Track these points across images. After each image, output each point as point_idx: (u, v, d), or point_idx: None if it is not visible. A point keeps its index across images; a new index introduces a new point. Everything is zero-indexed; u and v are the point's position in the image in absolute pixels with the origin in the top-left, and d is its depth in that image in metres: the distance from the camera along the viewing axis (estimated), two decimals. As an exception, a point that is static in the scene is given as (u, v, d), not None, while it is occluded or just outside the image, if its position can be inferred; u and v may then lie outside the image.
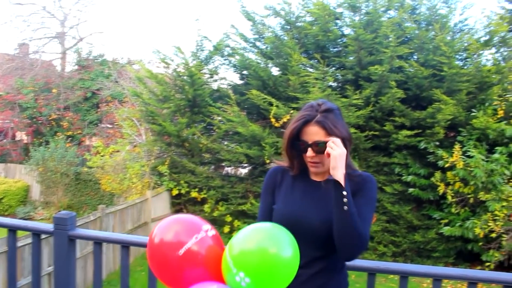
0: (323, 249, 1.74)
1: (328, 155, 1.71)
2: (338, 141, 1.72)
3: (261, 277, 1.50)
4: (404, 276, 2.29)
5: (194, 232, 1.60)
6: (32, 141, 18.59)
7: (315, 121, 1.81)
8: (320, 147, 1.80)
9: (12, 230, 2.70)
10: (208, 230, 1.64)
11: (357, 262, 2.24)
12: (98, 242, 2.61)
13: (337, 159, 1.70)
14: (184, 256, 1.55)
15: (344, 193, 1.69)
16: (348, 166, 1.86)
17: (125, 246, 2.53)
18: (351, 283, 2.06)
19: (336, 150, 1.71)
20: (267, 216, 1.95)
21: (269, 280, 1.51)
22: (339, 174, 1.70)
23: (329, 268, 1.81)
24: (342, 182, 1.69)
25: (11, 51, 21.38)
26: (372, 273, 2.33)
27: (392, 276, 8.20)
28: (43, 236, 2.71)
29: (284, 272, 1.53)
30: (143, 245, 2.65)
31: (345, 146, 1.81)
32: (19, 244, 5.84)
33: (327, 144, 1.73)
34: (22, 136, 19.64)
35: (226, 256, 1.57)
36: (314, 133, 1.81)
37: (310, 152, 1.81)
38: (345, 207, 1.69)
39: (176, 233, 1.60)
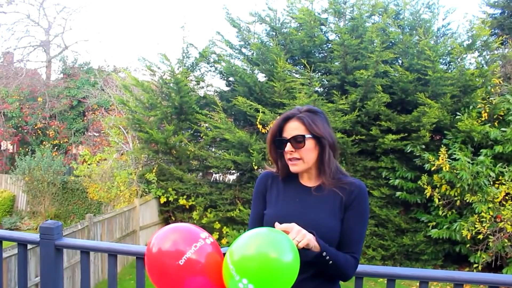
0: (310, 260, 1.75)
1: (303, 241, 1.62)
2: (296, 225, 1.65)
3: (264, 283, 1.51)
4: (391, 279, 2.31)
5: (193, 241, 1.60)
6: (17, 150, 18.41)
7: (296, 117, 1.87)
8: (298, 141, 1.83)
9: (-2, 241, 2.67)
10: (206, 238, 1.65)
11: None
12: (85, 251, 2.59)
13: (311, 240, 1.65)
14: (185, 266, 1.56)
15: (324, 254, 1.71)
16: (337, 171, 1.89)
17: (112, 254, 2.52)
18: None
19: (305, 236, 1.63)
20: (258, 221, 1.97)
21: (272, 285, 1.52)
22: (314, 246, 1.68)
23: (319, 274, 1.82)
24: (318, 247, 1.69)
25: (-4, 60, 21.18)
26: (359, 277, 2.34)
27: (381, 280, 8.24)
28: (29, 246, 2.69)
29: (286, 277, 1.54)
30: (130, 253, 2.64)
31: (323, 145, 1.85)
32: (5, 255, 5.78)
33: (298, 232, 1.63)
34: (7, 145, 19.44)
35: (228, 263, 1.57)
36: (294, 128, 1.86)
37: (288, 147, 1.84)
38: (330, 262, 1.73)
39: (175, 242, 1.60)
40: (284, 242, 1.57)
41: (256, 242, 1.58)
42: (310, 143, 1.85)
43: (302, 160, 1.86)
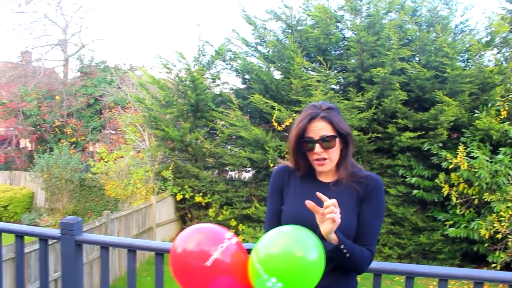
0: (328, 252, 1.75)
1: (333, 220, 1.63)
2: (337, 206, 1.66)
3: (293, 281, 1.52)
4: (410, 277, 2.29)
5: (218, 241, 1.61)
6: (36, 148, 18.64)
7: (321, 117, 1.84)
8: (328, 142, 1.81)
9: (20, 236, 2.71)
10: (231, 237, 1.66)
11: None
12: (104, 247, 2.62)
13: (335, 226, 1.66)
14: (212, 267, 1.56)
15: (342, 247, 1.71)
16: (353, 165, 1.89)
17: (132, 250, 2.55)
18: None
19: (337, 217, 1.64)
20: (276, 217, 1.96)
21: (300, 283, 1.53)
22: (332, 237, 1.69)
23: (336, 268, 1.83)
24: (336, 240, 1.70)
25: (14, 59, 21.46)
26: (378, 274, 2.33)
27: (397, 278, 8.19)
28: (49, 242, 2.73)
29: (312, 274, 1.55)
30: (150, 249, 2.67)
31: (348, 143, 1.87)
32: (26, 250, 5.86)
33: (331, 208, 1.63)
34: (26, 143, 19.69)
35: (254, 262, 1.57)
36: (320, 128, 1.83)
37: (318, 148, 1.82)
38: (347, 255, 1.73)
39: (201, 243, 1.60)
40: (309, 240, 1.58)
41: (282, 241, 1.59)
42: (337, 142, 1.85)
43: (330, 159, 1.85)
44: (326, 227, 1.64)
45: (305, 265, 1.54)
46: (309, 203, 1.66)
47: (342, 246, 1.70)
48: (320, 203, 1.85)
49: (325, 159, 1.85)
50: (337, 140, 1.84)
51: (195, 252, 1.59)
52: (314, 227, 1.73)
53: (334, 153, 1.85)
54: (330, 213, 1.62)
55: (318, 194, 1.68)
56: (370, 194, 1.85)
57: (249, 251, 1.69)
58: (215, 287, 1.60)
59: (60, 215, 14.05)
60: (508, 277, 2.23)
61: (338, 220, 1.64)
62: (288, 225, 1.69)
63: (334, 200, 1.65)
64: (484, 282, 2.22)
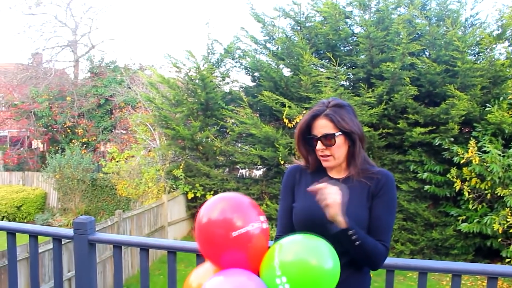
0: (343, 245, 1.75)
1: (327, 204, 1.66)
2: (333, 188, 1.68)
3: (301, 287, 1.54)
4: (423, 273, 2.28)
5: (252, 219, 1.64)
6: (48, 149, 18.80)
7: (323, 115, 1.86)
8: (328, 140, 1.84)
9: (34, 236, 2.74)
10: (264, 222, 1.69)
11: (375, 259, 2.22)
12: (117, 246, 2.64)
13: (335, 207, 1.67)
14: (235, 239, 1.59)
15: (350, 233, 1.71)
16: (364, 161, 1.89)
17: (144, 249, 2.56)
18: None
19: (331, 198, 1.66)
20: (288, 215, 1.97)
21: None
22: (339, 220, 1.69)
23: (350, 264, 1.82)
24: (343, 223, 1.69)
25: (25, 61, 21.61)
26: (390, 270, 2.32)
27: (410, 274, 8.16)
28: (63, 241, 2.75)
29: (324, 286, 1.57)
30: (161, 247, 2.68)
31: (354, 140, 1.86)
32: (40, 250, 5.91)
33: (325, 192, 1.66)
34: (38, 144, 19.86)
35: (275, 255, 1.60)
36: (322, 126, 1.86)
37: (319, 145, 1.85)
38: (357, 242, 1.72)
39: (237, 215, 1.63)
40: (327, 252, 1.60)
41: (310, 248, 1.61)
42: (340, 140, 1.85)
43: (333, 156, 1.87)
44: (328, 212, 1.67)
45: (321, 277, 1.56)
46: (310, 188, 1.69)
47: (350, 232, 1.70)
48: None
49: (328, 155, 1.87)
50: (341, 138, 1.85)
51: (227, 220, 1.62)
52: (323, 222, 1.74)
53: (337, 151, 1.86)
54: (322, 199, 1.65)
55: (310, 188, 1.70)
56: (381, 190, 1.85)
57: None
58: (227, 257, 1.63)
59: (72, 215, 14.16)
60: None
61: (334, 201, 1.65)
62: (317, 237, 1.68)
63: (323, 184, 1.67)
64: (498, 277, 2.20)
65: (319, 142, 1.85)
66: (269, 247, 1.69)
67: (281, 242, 1.63)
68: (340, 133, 1.84)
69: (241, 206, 1.67)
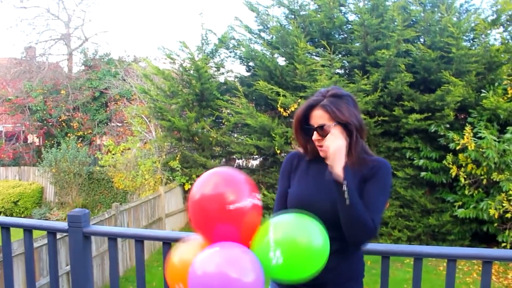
0: (334, 231, 1.74)
1: (324, 152, 1.72)
2: (336, 133, 1.73)
3: (294, 262, 1.58)
4: (419, 258, 2.28)
5: (249, 195, 1.65)
6: (43, 143, 18.73)
7: (320, 105, 1.85)
8: (323, 131, 1.83)
9: (28, 230, 2.73)
10: (258, 199, 1.71)
11: (370, 246, 2.23)
12: (112, 238, 2.63)
13: (335, 154, 1.71)
14: (231, 212, 1.60)
15: (344, 188, 1.70)
16: (362, 151, 1.88)
17: (139, 240, 2.55)
18: (367, 269, 2.06)
19: (332, 145, 1.71)
20: (283, 199, 2.00)
21: (299, 267, 1.59)
22: (337, 169, 1.71)
23: (341, 250, 1.83)
24: (341, 176, 1.70)
25: (18, 55, 21.49)
26: (386, 256, 2.32)
27: (408, 260, 8.20)
28: (59, 236, 2.74)
29: (314, 263, 1.60)
30: (156, 238, 2.68)
31: (350, 130, 1.83)
32: (37, 244, 5.91)
33: (326, 137, 1.75)
34: (33, 138, 19.79)
35: (269, 230, 1.63)
36: (318, 116, 1.85)
37: (315, 136, 1.85)
38: (347, 201, 1.71)
39: (234, 189, 1.64)
40: (318, 231, 1.64)
41: (303, 225, 1.65)
42: (336, 131, 1.83)
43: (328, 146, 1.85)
44: (329, 162, 1.73)
45: (312, 253, 1.59)
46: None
47: (344, 187, 1.70)
48: (324, 184, 1.85)
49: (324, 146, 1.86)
50: (338, 128, 1.83)
51: (225, 193, 1.62)
52: (315, 207, 1.77)
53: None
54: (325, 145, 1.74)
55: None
56: (374, 174, 1.86)
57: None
58: (220, 230, 1.63)
59: (70, 209, 14.14)
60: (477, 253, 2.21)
61: (330, 147, 1.72)
62: (308, 217, 1.69)
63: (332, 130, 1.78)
64: (493, 261, 2.20)
65: (315, 133, 1.85)
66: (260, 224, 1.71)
67: (274, 220, 1.66)
68: (334, 123, 1.82)
69: (235, 180, 1.68)
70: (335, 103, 1.83)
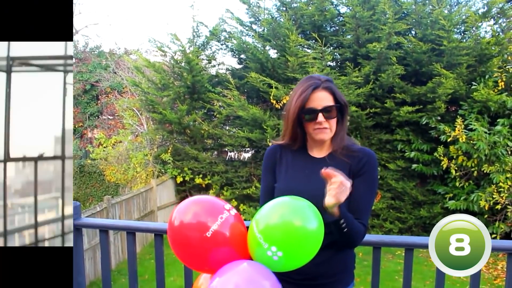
0: (327, 226, 1.75)
1: (337, 198, 1.63)
2: (347, 182, 1.64)
3: (293, 250, 1.56)
4: (410, 249, 2.30)
5: (218, 212, 1.61)
6: (34, 136, 18.59)
7: (323, 87, 1.83)
8: (329, 112, 1.82)
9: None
10: (230, 209, 1.67)
11: (361, 237, 2.23)
12: (104, 230, 2.63)
13: (338, 202, 1.65)
14: (212, 238, 1.56)
15: (342, 222, 1.71)
16: (346, 138, 1.89)
17: (131, 232, 2.55)
18: (358, 261, 2.07)
19: (340, 192, 1.63)
20: (269, 195, 1.96)
21: (300, 252, 1.58)
22: (334, 211, 1.69)
23: (333, 244, 1.82)
24: (337, 215, 1.71)
25: (8, 47, 21.24)
26: (377, 247, 2.33)
27: (399, 252, 8.26)
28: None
29: (312, 243, 1.59)
30: (148, 230, 2.68)
31: (343, 113, 1.89)
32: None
33: (338, 185, 1.62)
34: (24, 131, 19.64)
35: (255, 232, 1.60)
36: (322, 98, 1.83)
37: (321, 117, 1.82)
38: (345, 230, 1.74)
39: (199, 215, 1.60)
40: (308, 210, 1.61)
41: (282, 211, 1.63)
42: (336, 113, 1.86)
43: (330, 129, 1.86)
44: (330, 201, 1.64)
45: (305, 234, 1.57)
46: (324, 171, 1.65)
47: (342, 221, 1.71)
48: (312, 178, 1.84)
49: (325, 128, 1.84)
50: (336, 110, 1.86)
51: (194, 223, 1.59)
52: (309, 200, 1.73)
53: (334, 123, 1.86)
54: (335, 190, 1.62)
55: (326, 171, 1.65)
56: (362, 169, 1.86)
57: (248, 228, 1.70)
58: (214, 257, 1.60)
59: (61, 202, 14.09)
60: (506, 245, 2.23)
61: (342, 199, 1.64)
62: (286, 196, 1.69)
63: (342, 178, 1.63)
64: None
65: (320, 114, 1.81)
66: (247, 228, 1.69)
67: (256, 217, 1.64)
68: (338, 105, 1.85)
69: (201, 204, 1.65)
70: (334, 87, 1.86)
